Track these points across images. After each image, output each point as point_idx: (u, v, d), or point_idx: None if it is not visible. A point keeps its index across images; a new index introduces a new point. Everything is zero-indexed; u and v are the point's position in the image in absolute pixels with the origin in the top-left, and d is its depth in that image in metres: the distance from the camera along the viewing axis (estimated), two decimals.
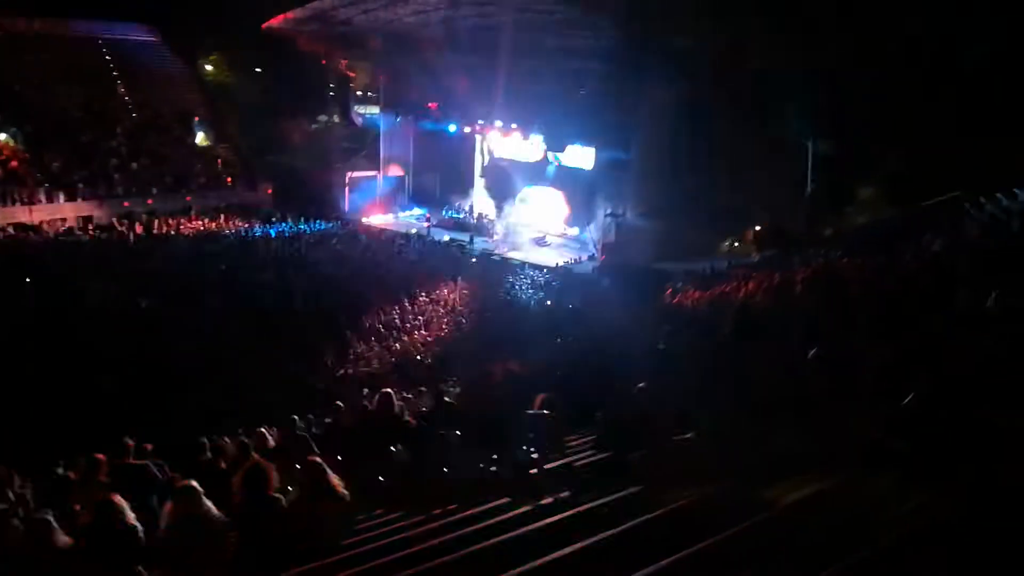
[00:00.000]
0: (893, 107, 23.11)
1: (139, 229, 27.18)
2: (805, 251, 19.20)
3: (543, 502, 5.19)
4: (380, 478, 6.67)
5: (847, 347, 5.27)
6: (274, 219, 31.74)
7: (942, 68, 22.04)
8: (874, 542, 2.73)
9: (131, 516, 4.47)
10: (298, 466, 5.49)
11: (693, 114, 28.25)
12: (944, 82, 22.09)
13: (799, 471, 4.57)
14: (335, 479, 5.06)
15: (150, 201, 29.82)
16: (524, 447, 6.73)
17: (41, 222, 26.24)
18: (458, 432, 6.98)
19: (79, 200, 27.95)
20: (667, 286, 20.83)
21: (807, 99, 25.41)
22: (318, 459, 5.25)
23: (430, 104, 35.27)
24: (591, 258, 29.67)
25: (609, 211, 29.94)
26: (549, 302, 22.27)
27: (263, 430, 8.64)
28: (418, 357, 17.63)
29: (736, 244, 27.89)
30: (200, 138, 34.87)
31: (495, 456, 6.63)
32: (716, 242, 28.09)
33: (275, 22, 33.89)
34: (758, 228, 27.99)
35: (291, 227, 30.68)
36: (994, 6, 20.81)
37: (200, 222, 29.61)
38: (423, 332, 19.35)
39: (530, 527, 4.43)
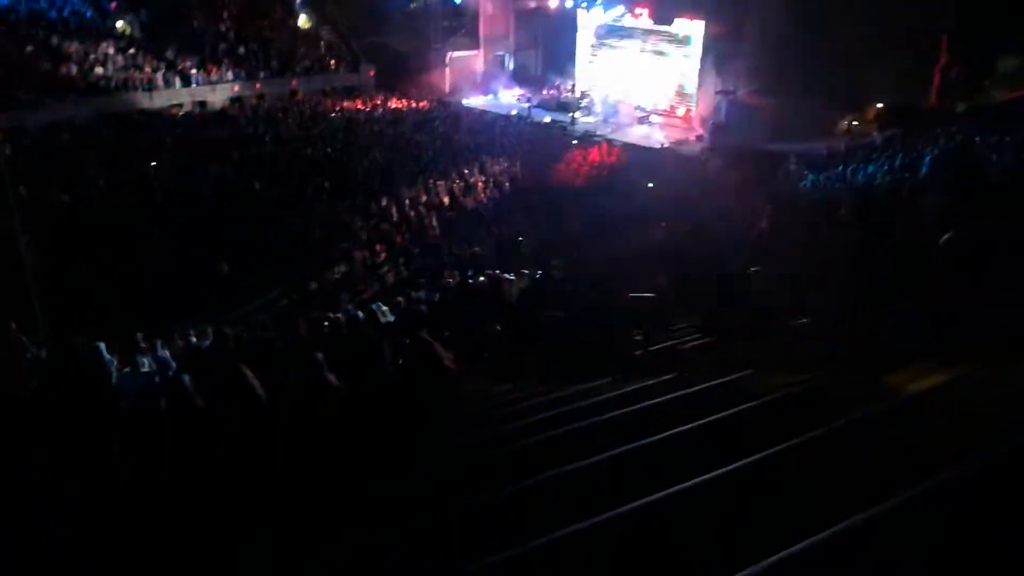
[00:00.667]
0: None
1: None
2: (933, 130, 17.74)
3: (647, 383, 5.20)
4: (485, 353, 6.84)
5: (983, 232, 4.88)
6: (376, 102, 31.86)
7: None
8: (1010, 438, 2.55)
9: (256, 384, 4.77)
10: (408, 341, 5.68)
11: None
12: None
13: (923, 360, 4.38)
14: (443, 352, 5.23)
15: (258, 86, 30.39)
16: (629, 328, 6.74)
17: (161, 108, 27.28)
18: (561, 313, 7.04)
19: (193, 85, 28.78)
20: (779, 170, 19.91)
21: None
22: (426, 335, 5.42)
23: None
24: (699, 139, 28.49)
25: (719, 88, 28.46)
26: (651, 184, 21.69)
27: (375, 307, 8.96)
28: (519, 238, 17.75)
29: (856, 124, 26.07)
30: (303, 20, 34.88)
31: (600, 335, 6.67)
32: (834, 121, 26.32)
33: None
34: (880, 105, 25.99)
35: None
36: None
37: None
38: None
39: (633, 407, 4.42)
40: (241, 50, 31.22)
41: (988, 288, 4.50)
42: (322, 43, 34.24)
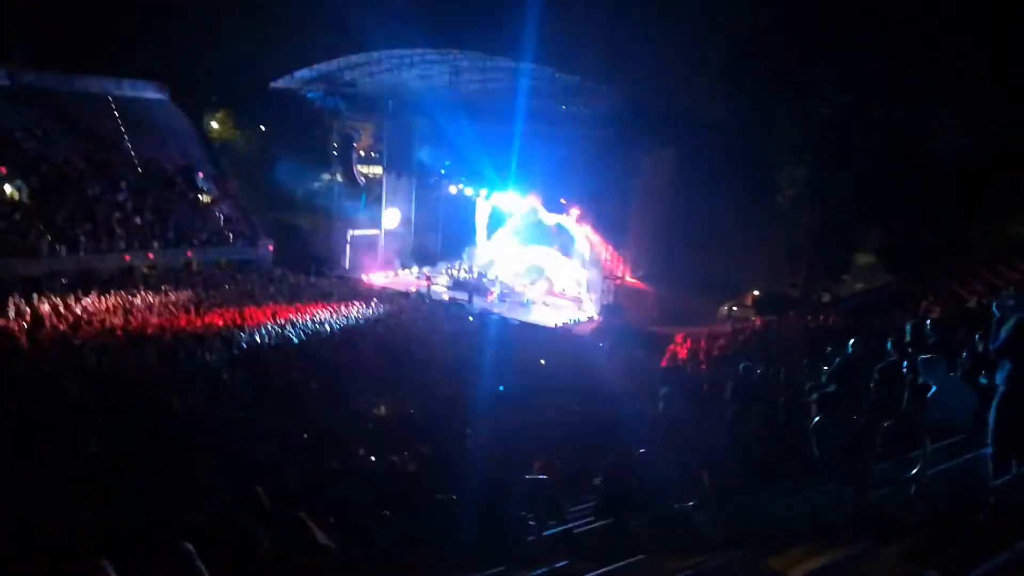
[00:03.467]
0: (881, 185, 23.72)
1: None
2: (803, 316, 19.21)
3: (540, 571, 5.04)
4: (372, 539, 6.49)
5: (853, 415, 5.20)
6: (275, 275, 31.75)
7: (919, 155, 22.89)
8: None
9: None
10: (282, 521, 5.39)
11: (688, 182, 28.80)
12: (921, 166, 22.90)
13: (803, 541, 4.46)
14: (320, 534, 4.97)
15: (151, 256, 29.90)
16: (522, 513, 6.58)
17: (40, 276, 26.22)
18: (454, 496, 6.83)
19: (81, 253, 28.02)
20: (668, 348, 20.77)
21: (800, 172, 25.97)
22: (303, 515, 5.16)
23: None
24: (590, 320, 29.65)
25: (608, 274, 30.10)
26: (543, 361, 22.09)
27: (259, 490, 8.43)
28: (411, 410, 17.38)
29: (735, 309, 27.95)
30: (203, 194, 35.17)
31: (491, 522, 6.47)
32: (714, 307, 28.19)
33: (281, 81, 34.67)
34: (756, 293, 28.11)
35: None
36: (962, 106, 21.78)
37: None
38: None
39: None
40: (137, 220, 30.95)
41: (860, 470, 4.72)
42: (221, 217, 34.43)
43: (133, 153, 34.30)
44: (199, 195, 34.98)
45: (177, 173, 35.01)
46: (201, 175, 35.50)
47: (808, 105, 25.10)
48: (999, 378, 4.56)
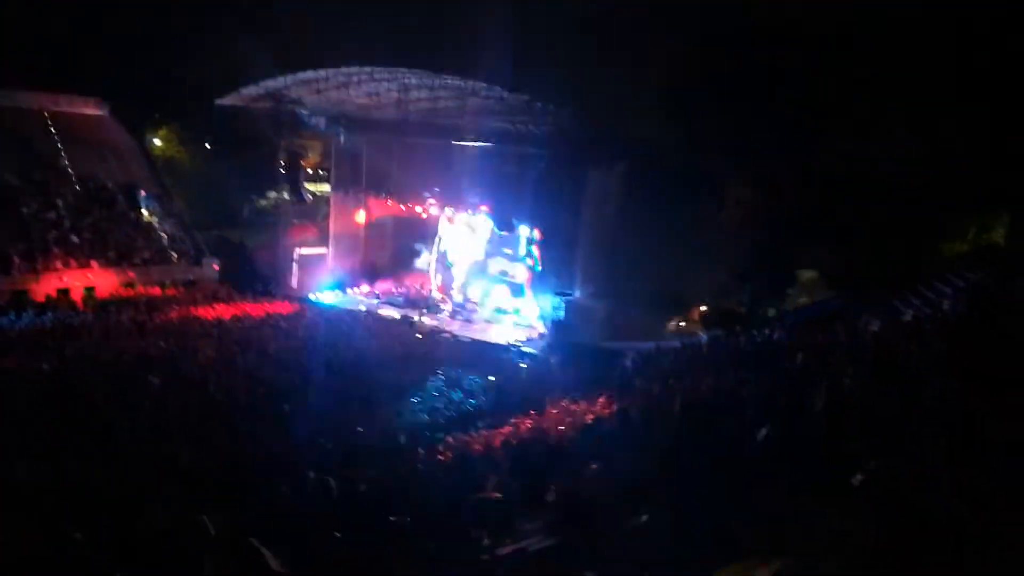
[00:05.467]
0: (823, 204, 24.54)
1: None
2: (749, 331, 19.59)
3: None
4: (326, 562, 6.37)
5: (798, 426, 5.34)
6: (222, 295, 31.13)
7: (859, 176, 23.82)
8: None
9: None
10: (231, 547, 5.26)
11: (635, 200, 29.31)
12: (861, 187, 23.83)
13: (750, 554, 4.54)
14: (273, 560, 4.87)
15: (89, 276, 29.04)
16: (474, 532, 6.55)
17: None
18: (407, 518, 6.76)
19: (14, 273, 27.08)
20: (617, 365, 20.94)
21: (744, 191, 26.67)
22: (254, 541, 5.04)
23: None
24: (542, 336, 29.75)
25: (558, 290, 30.30)
26: (492, 377, 22.10)
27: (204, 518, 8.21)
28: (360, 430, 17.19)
29: (683, 324, 28.41)
30: (145, 212, 34.35)
31: (444, 542, 6.42)
32: (663, 323, 28.61)
33: (227, 99, 34.17)
34: (703, 308, 28.63)
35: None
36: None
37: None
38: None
39: None
40: (74, 239, 30.05)
41: (804, 483, 4.83)
42: (164, 235, 33.66)
43: (71, 170, 33.38)
44: (141, 213, 34.17)
45: (117, 191, 34.18)
46: (143, 193, 34.72)
47: (751, 126, 25.81)
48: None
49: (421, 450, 12.64)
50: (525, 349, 27.87)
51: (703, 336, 24.37)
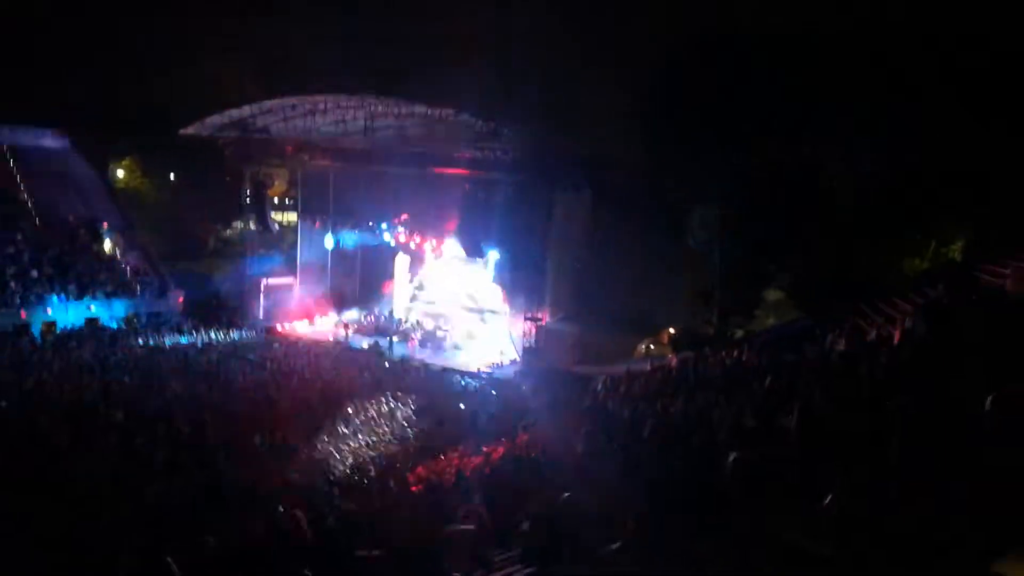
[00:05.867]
0: (788, 225, 24.91)
1: None
2: (718, 353, 19.71)
3: None
4: None
5: (767, 450, 5.36)
6: (184, 329, 30.60)
7: (822, 197, 24.31)
8: None
9: None
10: None
11: (603, 223, 29.54)
12: (825, 208, 24.29)
13: None
14: None
15: (49, 311, 28.40)
16: (447, 564, 6.45)
17: None
18: (376, 552, 6.65)
19: None
20: (590, 388, 20.94)
21: (709, 213, 26.98)
22: None
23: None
24: (513, 362, 29.69)
25: (528, 315, 30.31)
26: (463, 405, 21.99)
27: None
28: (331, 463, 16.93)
29: (652, 347, 28.50)
30: (107, 245, 33.78)
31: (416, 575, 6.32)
32: (633, 346, 28.69)
33: (192, 128, 33.94)
34: (672, 331, 28.78)
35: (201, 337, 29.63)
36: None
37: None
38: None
39: None
40: (34, 273, 29.42)
41: (776, 506, 4.83)
42: (127, 268, 33.11)
43: (30, 204, 32.76)
44: (103, 246, 33.60)
45: (79, 224, 33.61)
46: (106, 225, 34.17)
47: (717, 149, 26.18)
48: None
49: (392, 482, 12.50)
50: (496, 375, 27.79)
51: (671, 359, 24.51)
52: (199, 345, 27.94)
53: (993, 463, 4.20)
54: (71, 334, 27.27)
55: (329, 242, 36.90)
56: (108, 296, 30.87)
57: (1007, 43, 21.71)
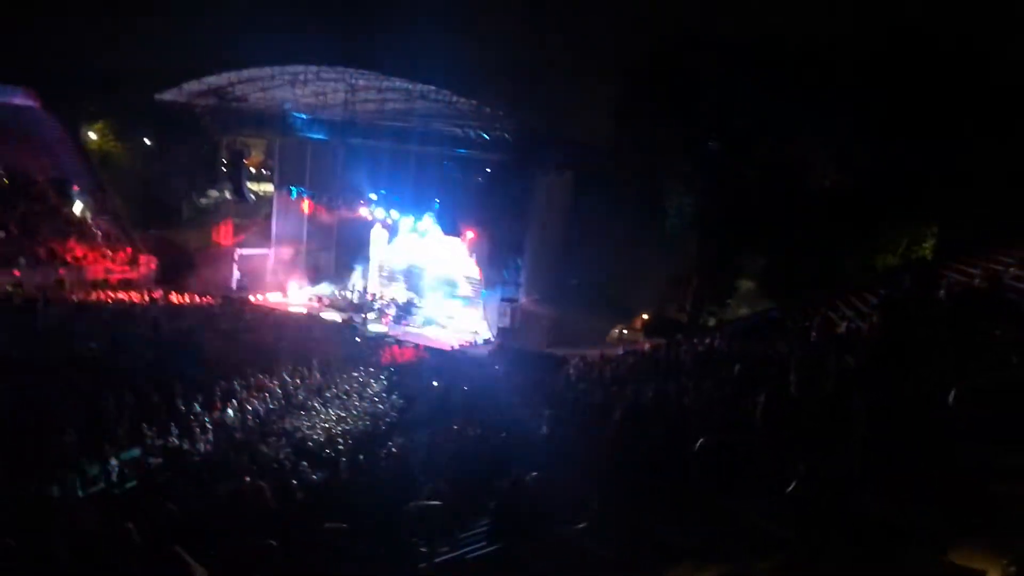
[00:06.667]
0: (762, 215, 25.12)
1: None
2: (690, 340, 19.89)
3: None
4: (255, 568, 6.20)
5: (734, 437, 5.42)
6: (155, 296, 30.18)
7: (797, 189, 24.55)
8: None
9: None
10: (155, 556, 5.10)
11: (582, 207, 29.58)
12: (799, 199, 24.54)
13: (687, 560, 4.60)
14: (199, 569, 4.74)
15: (17, 273, 27.84)
16: (413, 539, 6.48)
17: None
18: (344, 524, 6.64)
19: None
20: (563, 371, 21.06)
21: (687, 200, 27.10)
22: (179, 550, 4.89)
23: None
24: (487, 342, 29.71)
25: (504, 296, 30.30)
26: (436, 383, 21.96)
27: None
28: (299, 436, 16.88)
29: (625, 332, 28.68)
30: (79, 208, 33.12)
31: (382, 549, 6.34)
32: (607, 330, 28.84)
33: (168, 94, 33.32)
34: (646, 317, 28.97)
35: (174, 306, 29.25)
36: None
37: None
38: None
39: None
40: (0, 234, 28.84)
41: (739, 490, 4.90)
42: (99, 232, 32.55)
43: None
44: (73, 209, 32.96)
45: (48, 185, 32.91)
46: (76, 187, 33.50)
47: (695, 136, 26.28)
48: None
49: (361, 456, 12.49)
50: (470, 353, 27.81)
51: (643, 344, 24.70)
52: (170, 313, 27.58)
53: (953, 454, 4.29)
54: (37, 298, 26.75)
55: (304, 215, 36.44)
56: (77, 261, 30.34)
57: (983, 44, 22.01)
